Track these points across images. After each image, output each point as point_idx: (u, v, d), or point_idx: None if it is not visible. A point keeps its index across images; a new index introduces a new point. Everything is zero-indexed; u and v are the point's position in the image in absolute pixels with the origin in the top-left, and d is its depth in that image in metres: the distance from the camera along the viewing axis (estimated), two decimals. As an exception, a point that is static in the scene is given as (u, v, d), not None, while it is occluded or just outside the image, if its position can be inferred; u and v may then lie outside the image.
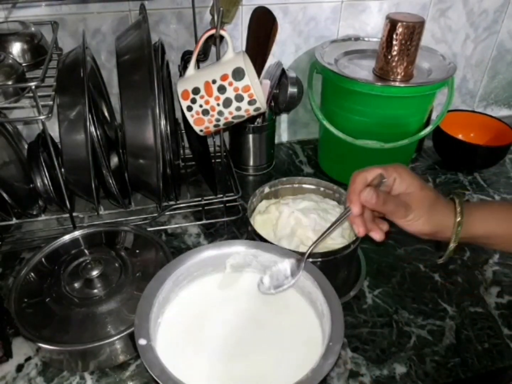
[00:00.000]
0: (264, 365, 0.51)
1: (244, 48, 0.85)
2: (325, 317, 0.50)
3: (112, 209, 0.81)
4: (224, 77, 0.60)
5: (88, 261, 0.64)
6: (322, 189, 0.74)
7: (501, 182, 0.98)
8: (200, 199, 0.83)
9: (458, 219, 0.49)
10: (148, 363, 0.45)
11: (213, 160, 0.80)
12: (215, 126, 0.64)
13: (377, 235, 0.51)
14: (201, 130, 0.65)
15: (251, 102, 0.61)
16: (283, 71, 0.90)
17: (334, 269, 0.64)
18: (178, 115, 0.83)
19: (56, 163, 0.68)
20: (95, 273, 0.62)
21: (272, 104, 0.92)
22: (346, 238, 0.68)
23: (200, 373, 0.49)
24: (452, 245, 0.51)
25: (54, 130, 0.82)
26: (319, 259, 0.61)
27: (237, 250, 0.59)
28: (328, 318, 0.49)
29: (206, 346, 0.52)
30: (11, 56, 0.68)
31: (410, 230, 0.51)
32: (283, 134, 1.09)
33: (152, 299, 0.52)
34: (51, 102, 0.64)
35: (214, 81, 0.60)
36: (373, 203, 0.48)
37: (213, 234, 0.81)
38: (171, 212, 0.84)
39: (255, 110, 0.63)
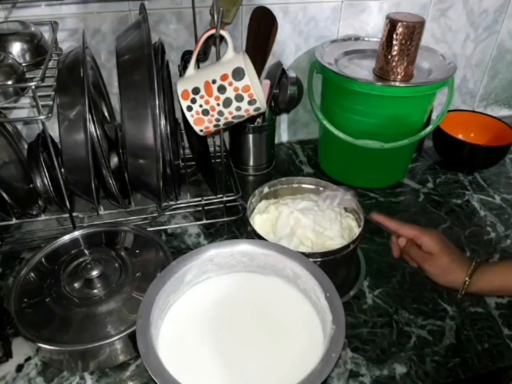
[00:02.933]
0: (265, 366, 0.50)
1: (244, 48, 0.85)
2: (328, 321, 0.50)
3: (112, 209, 0.81)
4: (224, 77, 0.60)
5: (88, 261, 0.64)
6: (321, 189, 0.74)
7: (501, 182, 0.98)
8: (200, 199, 0.83)
9: (467, 279, 0.61)
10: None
11: (213, 160, 0.80)
12: (215, 126, 0.64)
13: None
14: (201, 130, 0.65)
15: (251, 102, 0.61)
16: (283, 71, 0.90)
17: (334, 269, 0.64)
18: (178, 115, 0.83)
19: (56, 163, 0.68)
20: (95, 273, 0.62)
21: (272, 104, 0.92)
22: (346, 238, 0.68)
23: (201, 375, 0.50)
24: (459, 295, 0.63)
25: (54, 130, 0.82)
26: (319, 259, 0.61)
27: (241, 248, 0.59)
28: (330, 322, 0.49)
29: (207, 348, 0.52)
30: (11, 56, 0.68)
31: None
32: (283, 134, 1.09)
33: (154, 301, 0.51)
34: (51, 102, 0.64)
35: (214, 81, 0.60)
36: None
37: (213, 234, 0.81)
38: (171, 212, 0.84)
39: (255, 110, 0.62)
